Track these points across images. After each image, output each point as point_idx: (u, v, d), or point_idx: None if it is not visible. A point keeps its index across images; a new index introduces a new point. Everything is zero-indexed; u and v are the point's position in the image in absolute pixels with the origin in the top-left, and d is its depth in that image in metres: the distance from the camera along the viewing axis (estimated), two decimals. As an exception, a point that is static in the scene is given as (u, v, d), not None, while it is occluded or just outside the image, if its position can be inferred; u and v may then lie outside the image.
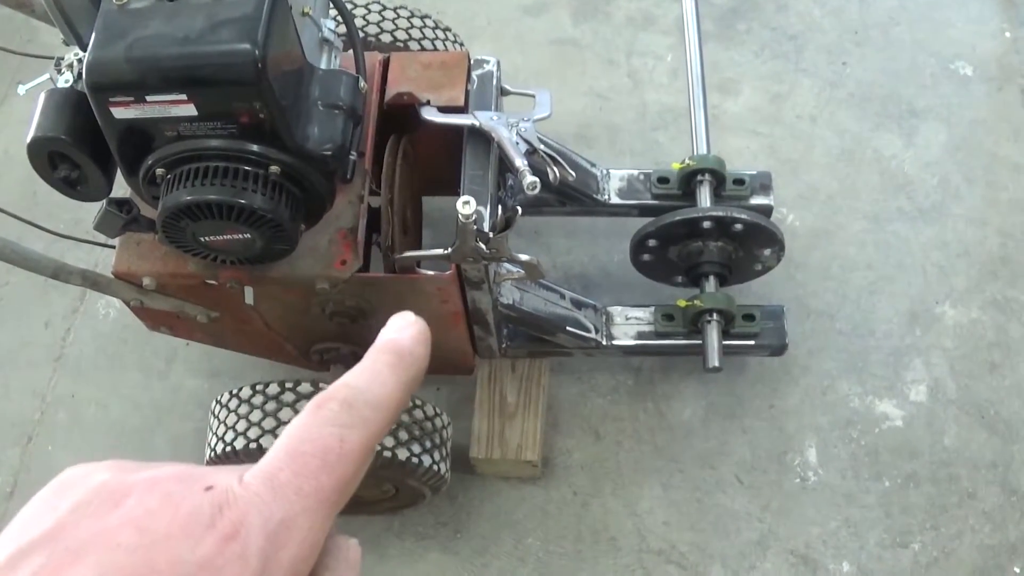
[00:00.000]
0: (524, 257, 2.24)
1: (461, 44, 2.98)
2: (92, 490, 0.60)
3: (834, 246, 3.16)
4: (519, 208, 2.13)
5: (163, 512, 0.58)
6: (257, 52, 1.83)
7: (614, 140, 3.41)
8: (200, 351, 3.10)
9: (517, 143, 2.27)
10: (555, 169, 2.32)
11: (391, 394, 0.68)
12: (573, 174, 2.42)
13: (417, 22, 2.85)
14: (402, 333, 0.72)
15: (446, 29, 2.93)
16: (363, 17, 2.78)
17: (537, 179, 2.14)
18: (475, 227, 2.07)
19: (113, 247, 2.37)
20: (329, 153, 2.06)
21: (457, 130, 2.38)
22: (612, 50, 3.60)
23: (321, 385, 2.36)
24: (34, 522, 0.59)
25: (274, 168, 2.00)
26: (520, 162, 2.20)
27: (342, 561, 0.67)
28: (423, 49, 2.82)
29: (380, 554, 2.88)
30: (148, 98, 1.88)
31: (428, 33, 2.85)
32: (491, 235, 2.15)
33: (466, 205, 2.01)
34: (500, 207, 2.34)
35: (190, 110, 1.90)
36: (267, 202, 1.99)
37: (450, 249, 2.17)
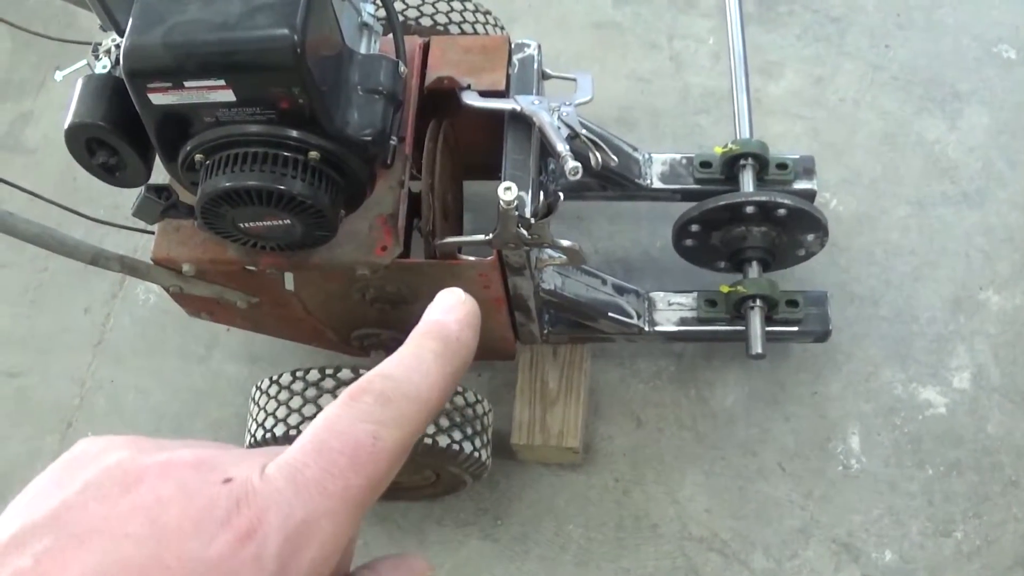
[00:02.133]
0: (566, 243, 2.23)
1: (502, 28, 2.96)
2: (104, 470, 0.57)
3: (877, 231, 3.13)
4: (561, 194, 2.11)
5: (176, 502, 0.55)
6: (296, 37, 1.82)
7: (655, 124, 3.38)
8: (240, 337, 3.09)
9: (559, 128, 2.25)
10: (597, 154, 2.30)
11: (434, 386, 0.63)
12: (615, 159, 2.39)
13: (457, 5, 2.83)
14: (449, 315, 0.67)
15: (486, 12, 2.91)
16: (403, 0, 2.77)
17: (579, 164, 2.12)
18: (517, 213, 2.05)
19: (152, 233, 2.36)
20: (369, 138, 2.05)
21: (497, 115, 2.36)
22: (653, 33, 3.57)
23: (361, 371, 2.35)
24: (42, 498, 0.56)
25: (314, 154, 1.99)
26: (562, 147, 2.18)
27: None
28: (463, 33, 2.81)
29: (421, 540, 2.87)
30: (186, 84, 1.88)
31: (468, 16, 2.84)
32: (533, 221, 2.13)
33: (507, 191, 1.99)
34: (541, 192, 2.32)
35: (228, 96, 1.89)
36: (307, 188, 1.98)
37: (492, 235, 2.15)
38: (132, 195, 2.12)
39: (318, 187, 2.01)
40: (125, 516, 0.54)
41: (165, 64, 1.85)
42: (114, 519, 0.54)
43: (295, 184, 1.97)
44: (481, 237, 2.18)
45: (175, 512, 0.54)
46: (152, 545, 0.53)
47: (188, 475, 0.57)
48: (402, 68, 2.16)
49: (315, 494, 0.56)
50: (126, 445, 0.59)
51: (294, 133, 1.97)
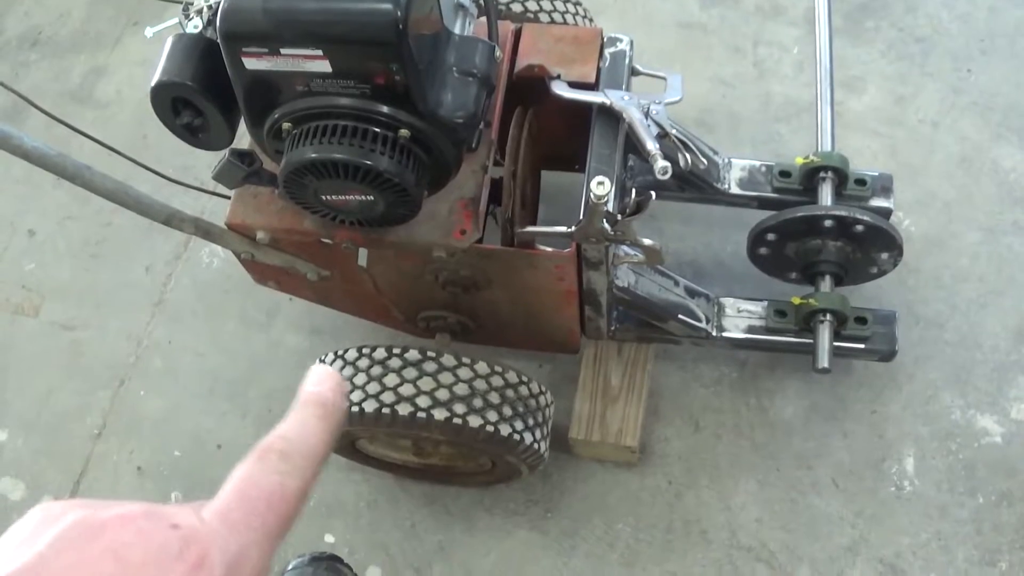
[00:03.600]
0: (648, 242, 2.20)
1: (591, 20, 2.95)
2: (71, 525, 0.68)
3: (947, 255, 3.10)
4: (653, 193, 2.09)
5: (138, 544, 0.68)
6: (399, 13, 1.81)
7: (735, 129, 3.37)
8: (302, 307, 3.09)
9: (648, 125, 2.24)
10: (687, 155, 2.29)
11: (319, 442, 0.83)
12: (704, 162, 2.38)
13: (550, -6, 2.82)
14: (323, 385, 0.87)
15: (576, 3, 2.90)
16: (496, -14, 2.76)
17: (668, 164, 2.11)
18: (605, 208, 2.04)
19: (226, 197, 2.36)
20: (461, 121, 2.04)
21: (581, 107, 2.36)
22: (739, 37, 3.56)
23: (428, 352, 2.34)
24: (15, 555, 0.66)
25: (404, 132, 1.98)
26: (652, 145, 2.17)
27: None
28: (553, 22, 2.79)
29: (469, 526, 2.88)
30: (283, 51, 1.87)
31: (559, 6, 2.82)
32: (619, 217, 2.12)
33: (600, 185, 1.97)
34: (627, 189, 2.31)
35: (325, 66, 1.89)
36: (394, 165, 1.98)
37: (574, 227, 2.14)
38: (202, 157, 2.12)
39: (405, 165, 2.00)
40: (96, 558, 0.66)
41: (263, 29, 1.85)
42: (87, 562, 0.66)
43: (382, 160, 1.96)
44: (563, 229, 2.17)
45: (138, 552, 0.68)
46: None
47: (143, 523, 0.70)
48: (498, 52, 2.15)
49: (243, 531, 0.74)
50: (82, 506, 0.71)
51: (386, 109, 1.96)
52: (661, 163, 2.10)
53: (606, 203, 2.02)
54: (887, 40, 3.49)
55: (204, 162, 2.07)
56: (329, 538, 2.90)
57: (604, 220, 2.09)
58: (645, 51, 3.29)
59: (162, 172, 2.47)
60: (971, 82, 3.40)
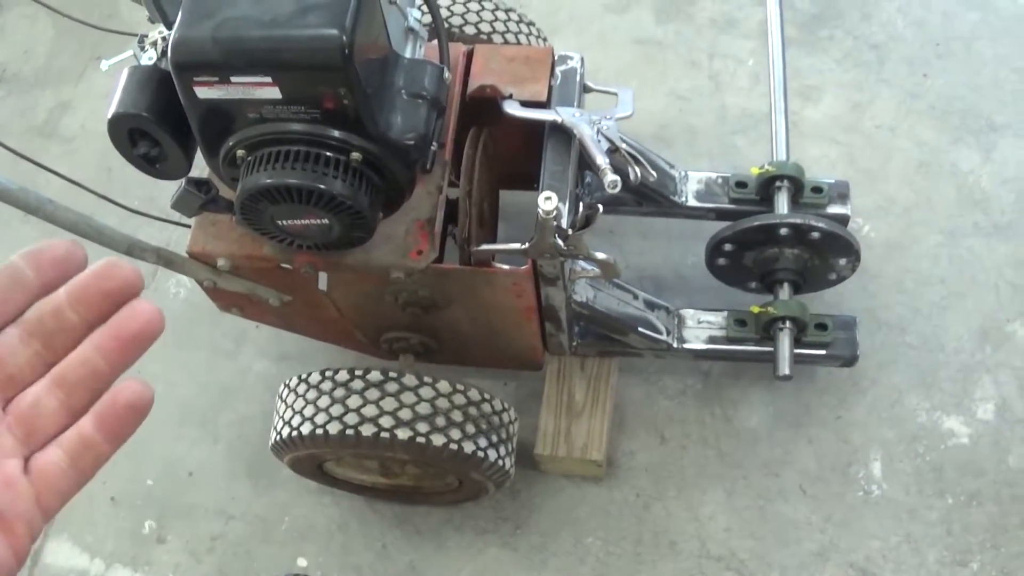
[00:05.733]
0: (601, 255, 2.23)
1: (544, 39, 2.98)
2: None
3: (908, 259, 3.13)
4: (600, 206, 2.12)
5: None
6: (345, 38, 1.83)
7: (692, 142, 3.39)
8: (270, 334, 3.11)
9: (599, 141, 2.26)
10: (636, 169, 2.31)
11: None
12: (654, 174, 2.40)
13: (502, 15, 2.84)
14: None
15: (530, 23, 2.93)
16: (448, 8, 2.79)
17: (618, 178, 2.13)
18: (555, 223, 2.06)
19: (188, 226, 2.38)
20: (412, 143, 2.06)
21: (536, 125, 2.37)
22: (694, 52, 3.58)
23: (390, 373, 2.37)
24: None
25: (355, 155, 2.00)
26: (602, 160, 2.19)
27: None
28: (506, 43, 2.82)
29: (439, 545, 2.89)
30: (233, 79, 1.89)
31: (512, 27, 2.85)
32: (570, 232, 2.14)
33: (547, 201, 2.00)
34: (579, 204, 2.33)
35: (274, 93, 1.91)
36: (347, 188, 2.00)
37: (528, 244, 2.16)
38: (166, 189, 2.13)
39: (358, 188, 2.02)
40: None
41: (213, 58, 1.87)
42: None
43: (335, 184, 1.98)
44: (517, 246, 2.19)
45: None
46: None
47: None
48: (446, 74, 2.18)
49: None
50: None
51: (337, 133, 1.98)
52: (611, 177, 2.12)
53: (556, 218, 2.04)
54: (842, 48, 3.52)
55: (168, 193, 2.08)
56: (302, 561, 2.91)
57: (556, 235, 2.10)
58: (602, 69, 3.33)
59: (126, 204, 2.48)
60: (927, 87, 3.42)
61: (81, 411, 0.82)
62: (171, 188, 2.16)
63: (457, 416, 2.38)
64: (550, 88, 2.44)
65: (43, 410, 0.81)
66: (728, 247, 2.69)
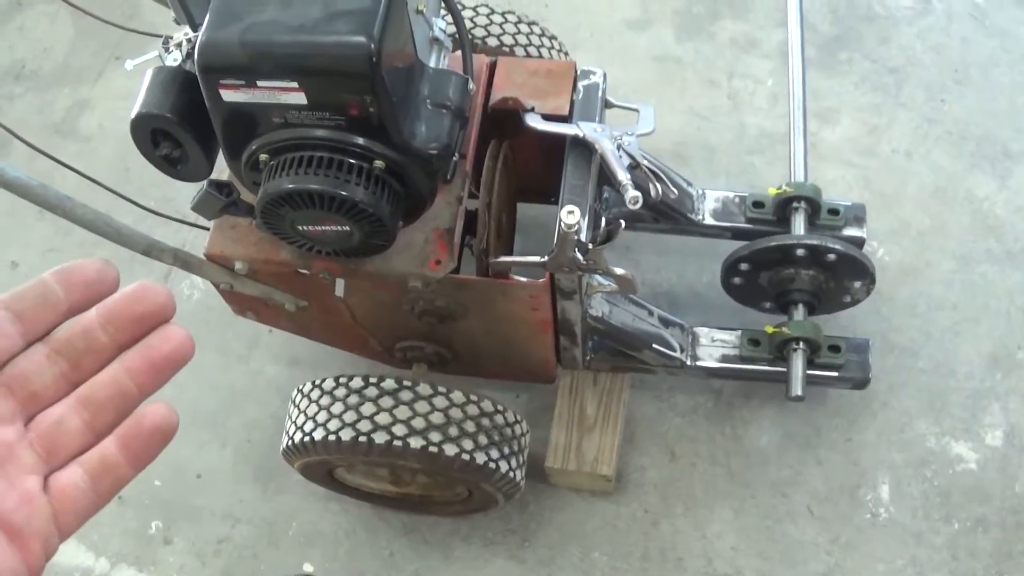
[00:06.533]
0: (620, 271, 2.23)
1: (566, 54, 2.98)
2: None
3: (921, 283, 3.13)
4: (623, 222, 2.12)
5: None
6: (372, 46, 1.83)
7: (710, 160, 3.40)
8: (282, 339, 3.11)
9: (620, 156, 2.26)
10: (657, 185, 2.31)
11: None
12: (675, 191, 2.41)
13: (524, 28, 2.85)
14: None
15: (552, 37, 2.93)
16: (471, 20, 2.79)
17: (639, 194, 2.13)
18: (576, 237, 2.06)
19: (206, 228, 2.38)
20: (435, 152, 2.07)
21: (556, 139, 2.37)
22: (713, 70, 3.59)
23: (404, 382, 2.37)
24: None
25: (378, 163, 2.01)
26: (623, 176, 2.19)
27: None
28: (528, 56, 2.82)
29: (446, 555, 2.89)
30: (259, 83, 1.90)
31: (535, 40, 2.86)
32: (590, 246, 2.14)
33: (570, 215, 2.00)
34: (601, 220, 2.33)
35: (300, 98, 1.91)
36: (369, 196, 2.00)
37: (547, 257, 2.16)
38: (182, 190, 2.13)
39: (380, 196, 2.03)
40: None
41: (240, 62, 1.87)
42: None
43: (358, 191, 1.99)
44: (536, 259, 2.19)
45: None
46: None
47: None
48: (471, 85, 2.18)
49: None
50: None
51: (361, 141, 1.98)
52: (632, 193, 2.12)
53: (577, 232, 2.05)
54: (861, 72, 3.53)
55: (184, 194, 2.08)
56: (308, 567, 2.90)
57: (576, 249, 2.11)
58: (621, 85, 3.33)
59: (143, 204, 2.49)
60: (945, 112, 3.43)
61: (105, 432, 0.83)
62: (187, 190, 2.17)
63: (470, 427, 2.38)
64: (572, 102, 2.44)
65: (66, 429, 0.81)
66: (744, 266, 2.69)
